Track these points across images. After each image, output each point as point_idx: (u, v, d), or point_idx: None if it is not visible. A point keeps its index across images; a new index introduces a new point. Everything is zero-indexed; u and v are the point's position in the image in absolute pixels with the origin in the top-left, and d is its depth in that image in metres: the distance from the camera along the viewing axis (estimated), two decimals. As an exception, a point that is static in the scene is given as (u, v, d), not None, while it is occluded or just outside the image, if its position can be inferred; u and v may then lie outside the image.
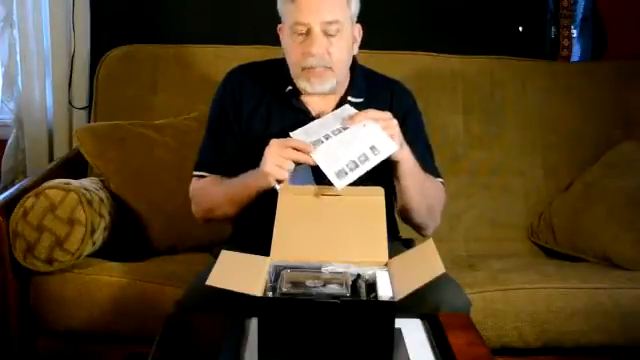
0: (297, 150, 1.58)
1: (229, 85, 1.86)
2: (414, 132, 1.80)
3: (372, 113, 1.63)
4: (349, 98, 1.79)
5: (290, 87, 1.79)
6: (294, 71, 1.74)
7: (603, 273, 2.21)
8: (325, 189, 1.56)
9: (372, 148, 1.59)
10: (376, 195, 1.54)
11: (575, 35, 2.89)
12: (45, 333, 2.08)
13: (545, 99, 2.68)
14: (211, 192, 1.78)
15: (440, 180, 1.86)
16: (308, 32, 1.68)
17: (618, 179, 2.42)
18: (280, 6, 1.75)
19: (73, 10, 2.70)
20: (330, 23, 1.68)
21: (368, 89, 1.83)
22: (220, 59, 2.55)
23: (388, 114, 1.64)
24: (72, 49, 2.73)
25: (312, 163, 1.58)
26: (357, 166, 1.56)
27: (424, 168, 1.76)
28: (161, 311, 1.74)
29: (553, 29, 2.89)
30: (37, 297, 2.04)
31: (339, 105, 1.78)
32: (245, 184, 1.68)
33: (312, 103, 1.79)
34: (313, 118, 1.77)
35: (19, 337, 2.06)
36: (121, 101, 2.57)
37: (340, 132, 1.62)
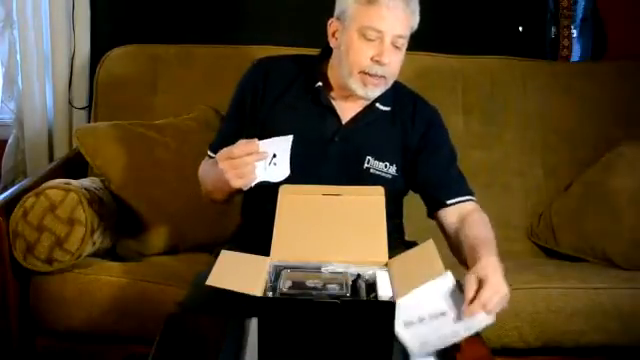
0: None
1: (254, 74, 1.85)
2: (435, 145, 1.81)
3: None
4: (377, 105, 1.80)
5: (320, 83, 1.78)
6: (350, 70, 1.72)
7: (603, 273, 2.21)
8: (325, 189, 1.56)
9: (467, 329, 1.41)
10: (376, 195, 1.54)
11: (575, 35, 2.89)
12: (45, 333, 2.08)
13: (545, 99, 2.68)
14: (208, 175, 1.78)
15: (471, 199, 1.80)
16: (379, 40, 1.68)
17: (618, 179, 2.42)
18: (346, 4, 1.71)
19: (73, 10, 2.70)
20: (400, 37, 1.70)
21: (394, 99, 1.83)
22: (220, 59, 2.55)
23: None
24: (72, 49, 2.72)
25: (264, 153, 1.55)
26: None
27: (447, 185, 1.76)
28: (161, 311, 1.74)
29: (553, 29, 2.89)
30: (37, 297, 2.04)
31: (367, 109, 1.79)
32: (221, 184, 1.64)
33: (340, 102, 1.79)
34: (338, 116, 1.78)
35: (19, 337, 2.06)
36: (121, 101, 2.57)
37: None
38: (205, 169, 1.82)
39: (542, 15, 2.89)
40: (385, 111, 1.80)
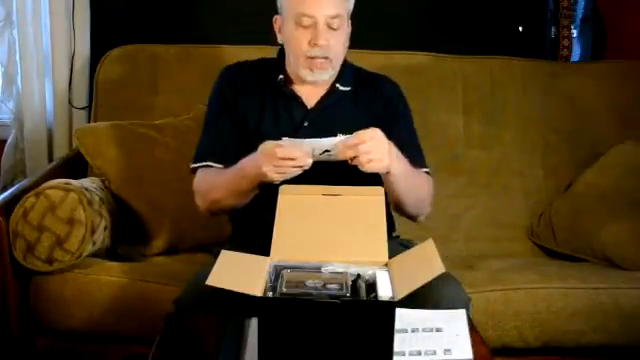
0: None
1: (226, 79, 1.92)
2: (397, 116, 1.88)
3: (362, 135, 1.61)
4: (338, 86, 1.87)
5: (281, 76, 1.86)
6: (297, 60, 1.81)
7: (603, 273, 2.21)
8: (325, 189, 1.56)
9: None
10: (376, 195, 1.54)
11: (575, 35, 2.89)
12: (45, 333, 2.08)
13: (545, 99, 2.68)
14: (216, 183, 1.79)
15: (425, 170, 1.88)
16: (313, 24, 1.75)
17: (618, 179, 2.42)
18: None
19: (73, 10, 2.70)
20: (334, 17, 1.76)
21: (355, 80, 1.90)
22: (220, 59, 2.54)
23: (376, 132, 1.63)
24: (72, 49, 2.72)
25: (307, 166, 1.61)
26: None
27: (408, 156, 1.78)
28: (161, 311, 1.74)
29: (553, 29, 2.89)
30: (37, 297, 2.04)
31: (329, 92, 1.86)
32: (247, 177, 1.70)
33: (303, 90, 1.87)
34: (304, 103, 1.85)
35: (19, 337, 2.06)
36: (121, 101, 2.57)
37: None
38: (207, 179, 1.81)
39: (542, 15, 2.89)
40: (346, 91, 1.88)
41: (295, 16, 1.77)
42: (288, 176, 1.62)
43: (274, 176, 1.62)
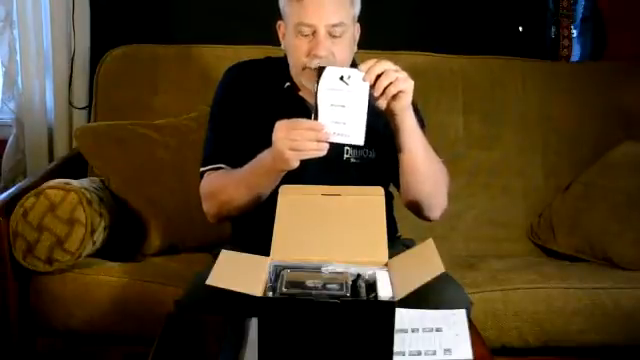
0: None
1: (231, 79, 1.87)
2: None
3: (385, 63, 1.56)
4: None
5: (288, 83, 1.80)
6: (296, 69, 1.74)
7: (603, 273, 2.21)
8: (325, 189, 1.55)
9: None
10: (376, 195, 1.54)
11: (575, 35, 2.89)
12: (45, 333, 2.08)
13: (545, 99, 2.68)
14: (228, 182, 1.74)
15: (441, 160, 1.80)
16: (313, 33, 1.68)
17: (618, 179, 2.42)
18: (283, 4, 1.75)
19: (73, 10, 2.70)
20: (335, 25, 1.68)
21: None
22: (220, 59, 2.55)
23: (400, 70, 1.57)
24: (72, 49, 2.73)
25: (330, 140, 1.56)
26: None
27: None
28: (161, 311, 1.74)
29: (553, 29, 2.89)
30: (37, 297, 2.04)
31: None
32: (262, 167, 1.64)
33: (310, 98, 1.79)
34: (311, 113, 1.78)
35: (19, 337, 2.06)
36: (121, 101, 2.57)
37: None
38: (220, 180, 1.76)
39: (542, 15, 2.89)
40: None
41: (295, 25, 1.70)
42: (304, 155, 1.55)
43: (289, 154, 1.54)
